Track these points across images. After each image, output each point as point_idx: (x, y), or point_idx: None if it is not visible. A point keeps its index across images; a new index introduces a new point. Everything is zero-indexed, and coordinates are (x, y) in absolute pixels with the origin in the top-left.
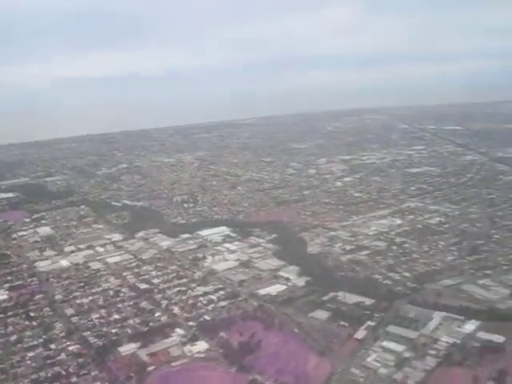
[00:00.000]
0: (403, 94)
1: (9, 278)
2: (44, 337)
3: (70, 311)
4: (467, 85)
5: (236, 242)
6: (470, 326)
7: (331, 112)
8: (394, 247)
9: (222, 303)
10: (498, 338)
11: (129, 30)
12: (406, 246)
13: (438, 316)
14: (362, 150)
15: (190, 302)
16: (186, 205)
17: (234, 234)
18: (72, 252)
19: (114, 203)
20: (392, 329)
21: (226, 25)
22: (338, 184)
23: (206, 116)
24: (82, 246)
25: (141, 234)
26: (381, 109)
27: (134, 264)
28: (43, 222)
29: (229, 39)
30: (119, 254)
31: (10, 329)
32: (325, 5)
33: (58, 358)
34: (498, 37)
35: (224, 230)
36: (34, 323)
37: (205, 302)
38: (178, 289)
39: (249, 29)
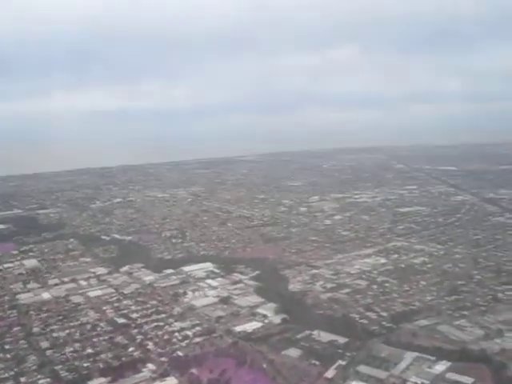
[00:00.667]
0: (404, 134)
1: None
2: (16, 370)
3: (45, 344)
4: (469, 126)
5: (219, 279)
6: (440, 367)
7: (330, 150)
8: (375, 286)
9: (197, 339)
10: (468, 380)
11: (125, 64)
12: (386, 285)
13: (409, 356)
14: (355, 188)
15: (166, 337)
16: (174, 240)
17: (217, 270)
18: (55, 285)
19: (103, 237)
20: (362, 368)
21: (227, 62)
22: (327, 222)
23: (205, 152)
24: (66, 279)
25: (125, 268)
26: (380, 148)
27: (114, 298)
28: (31, 254)
29: (227, 75)
30: (101, 288)
31: None
32: (326, 45)
33: None
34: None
35: (208, 265)
36: (8, 356)
37: (180, 338)
38: (155, 324)
39: (243, 68)
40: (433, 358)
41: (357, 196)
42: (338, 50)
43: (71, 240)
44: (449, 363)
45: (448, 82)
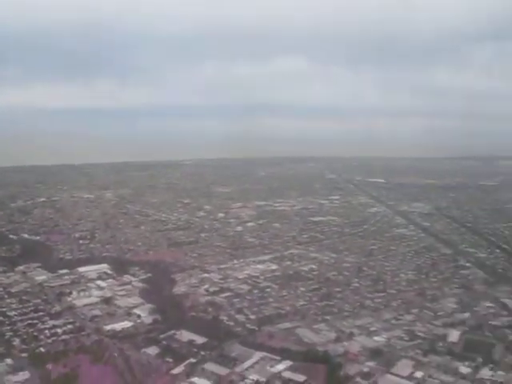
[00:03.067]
0: (348, 145)
1: None
2: None
3: None
4: (414, 140)
5: (109, 280)
6: (281, 366)
7: (273, 158)
8: (256, 291)
9: (65, 336)
10: (300, 378)
11: (88, 64)
12: (267, 290)
13: (257, 356)
14: (280, 196)
15: (35, 334)
16: (81, 241)
17: (110, 272)
18: None
19: (11, 236)
20: (208, 366)
21: (181, 67)
22: (238, 229)
23: (149, 154)
24: None
25: (21, 267)
26: (321, 158)
27: None
28: None
29: (182, 81)
30: None
31: None
32: (275, 54)
33: None
34: (454, 96)
35: (104, 267)
36: None
37: (48, 335)
38: (29, 322)
39: (203, 72)
40: (278, 358)
41: (278, 204)
42: (289, 60)
43: None
44: (290, 363)
45: (397, 95)
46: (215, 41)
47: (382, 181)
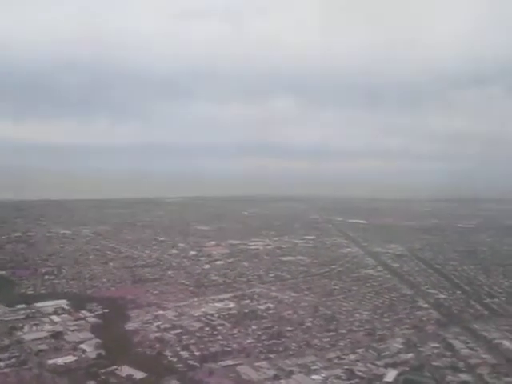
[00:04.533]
0: (338, 185)
1: None
2: None
3: None
4: (403, 181)
5: (64, 315)
6: None
7: (260, 197)
8: (207, 328)
9: (6, 370)
10: None
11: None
12: (219, 328)
13: None
14: (257, 235)
15: None
16: (47, 276)
17: (67, 307)
18: None
19: None
20: None
21: (171, 105)
22: (206, 267)
23: (136, 191)
24: None
25: None
26: (308, 198)
27: None
28: None
29: (169, 120)
30: None
31: None
32: (263, 96)
33: None
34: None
35: (62, 302)
36: None
37: None
38: None
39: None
40: None
41: (252, 243)
42: (277, 101)
43: None
44: None
45: (385, 138)
46: (205, 80)
47: (363, 222)
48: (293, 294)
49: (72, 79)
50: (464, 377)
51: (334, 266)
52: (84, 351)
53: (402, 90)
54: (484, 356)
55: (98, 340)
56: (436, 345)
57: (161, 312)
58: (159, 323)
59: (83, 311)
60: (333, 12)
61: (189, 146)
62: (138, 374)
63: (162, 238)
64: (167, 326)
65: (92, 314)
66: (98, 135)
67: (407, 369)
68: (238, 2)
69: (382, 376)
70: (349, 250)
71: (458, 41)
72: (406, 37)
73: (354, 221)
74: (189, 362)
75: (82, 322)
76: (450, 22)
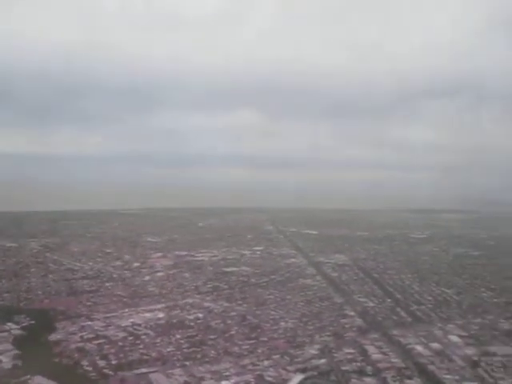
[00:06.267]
0: (299, 196)
1: None
2: None
3: None
4: (364, 192)
5: None
6: None
7: (221, 209)
8: (131, 338)
9: None
10: None
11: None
12: (143, 337)
13: None
14: (206, 247)
15: None
16: None
17: None
18: None
19: None
20: None
21: (132, 116)
22: (146, 278)
23: (95, 202)
24: None
25: None
26: (270, 209)
27: None
28: None
29: (134, 130)
30: None
31: None
32: (230, 108)
33: None
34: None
35: None
36: None
37: None
38: None
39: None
40: None
41: (199, 255)
42: (241, 113)
43: None
44: None
45: (347, 148)
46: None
47: (315, 232)
48: (225, 304)
49: (33, 88)
50: (368, 380)
51: (273, 276)
52: (1, 361)
53: (366, 99)
54: (394, 360)
55: (17, 351)
56: (351, 350)
57: (88, 323)
58: (83, 334)
59: (9, 323)
60: (297, 16)
61: (152, 157)
62: (47, 383)
63: (108, 250)
64: (91, 336)
65: (17, 326)
66: (59, 145)
67: (315, 373)
68: (206, 11)
69: (286, 381)
70: (293, 260)
71: (428, 51)
72: (371, 43)
73: (307, 231)
74: (104, 370)
75: (5, 334)
76: (420, 31)
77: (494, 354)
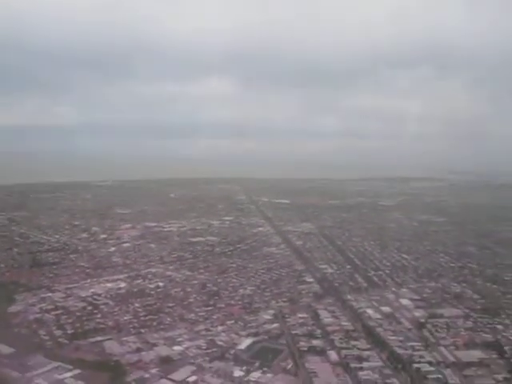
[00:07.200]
0: (275, 166)
1: None
2: None
3: None
4: (338, 161)
5: None
6: (68, 374)
7: (193, 179)
8: (90, 307)
9: None
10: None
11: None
12: (102, 307)
13: (52, 365)
14: (176, 218)
15: None
16: None
17: None
18: None
19: None
20: (3, 370)
21: (105, 86)
22: (111, 249)
23: (67, 175)
24: None
25: None
26: (243, 179)
27: None
28: None
29: (102, 99)
30: None
31: None
32: (200, 76)
33: None
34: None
35: None
36: None
37: None
38: None
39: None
40: (70, 367)
41: (168, 226)
42: (213, 81)
43: None
44: (79, 371)
45: (320, 118)
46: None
47: (286, 202)
48: (188, 273)
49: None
50: (316, 342)
51: (239, 246)
52: None
53: (336, 69)
54: (344, 324)
55: None
56: (304, 315)
57: (49, 294)
58: (43, 305)
59: None
60: None
61: (126, 127)
62: (6, 350)
63: (77, 223)
64: (50, 307)
65: None
66: (28, 116)
67: (266, 337)
68: None
69: (237, 345)
70: (260, 229)
71: (393, 21)
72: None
73: (279, 201)
74: (59, 339)
75: None
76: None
77: (441, 316)
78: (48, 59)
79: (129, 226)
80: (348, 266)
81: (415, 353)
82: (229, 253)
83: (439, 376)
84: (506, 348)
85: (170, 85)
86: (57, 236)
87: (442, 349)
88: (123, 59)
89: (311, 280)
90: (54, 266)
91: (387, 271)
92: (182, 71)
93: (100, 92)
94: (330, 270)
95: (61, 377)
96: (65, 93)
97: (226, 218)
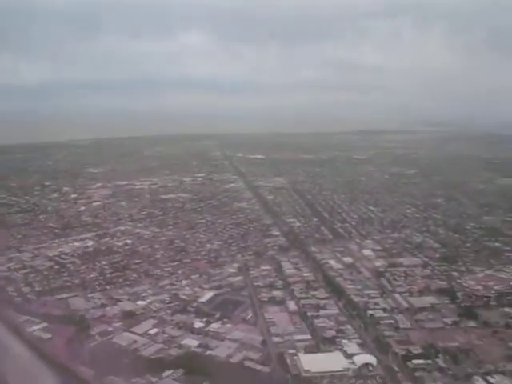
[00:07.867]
0: (252, 121)
1: None
2: None
3: None
4: (318, 114)
5: None
6: (36, 327)
7: (170, 136)
8: (57, 267)
9: None
10: (46, 336)
11: None
12: (69, 265)
13: (22, 318)
14: (148, 175)
15: None
16: None
17: None
18: None
19: None
20: None
21: (84, 41)
22: (81, 209)
23: (43, 135)
24: None
25: None
26: (220, 135)
27: None
28: None
29: (84, 55)
30: None
31: None
32: (180, 30)
33: None
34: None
35: None
36: None
37: None
38: None
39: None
40: (38, 321)
41: (139, 183)
42: (192, 36)
43: None
44: (46, 324)
45: (301, 71)
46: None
47: (261, 157)
48: (156, 230)
49: None
50: (276, 293)
51: (209, 202)
52: None
53: (314, 21)
54: (305, 275)
55: None
56: (267, 267)
57: (17, 254)
58: (11, 264)
59: None
60: None
61: (102, 83)
62: None
63: (48, 183)
64: (18, 266)
65: None
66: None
67: (229, 290)
68: None
69: (199, 298)
70: (232, 185)
71: None
72: None
73: (253, 156)
74: (28, 296)
75: None
76: None
77: (401, 265)
78: (12, 13)
79: (100, 185)
80: (315, 219)
81: (371, 300)
82: (199, 209)
83: (391, 321)
84: (459, 294)
85: (146, 40)
86: (27, 197)
87: (397, 296)
88: (95, 15)
89: (278, 233)
90: (23, 227)
91: (353, 223)
92: (159, 26)
93: (73, 48)
94: (297, 224)
95: (30, 329)
96: (36, 50)
97: (199, 175)
